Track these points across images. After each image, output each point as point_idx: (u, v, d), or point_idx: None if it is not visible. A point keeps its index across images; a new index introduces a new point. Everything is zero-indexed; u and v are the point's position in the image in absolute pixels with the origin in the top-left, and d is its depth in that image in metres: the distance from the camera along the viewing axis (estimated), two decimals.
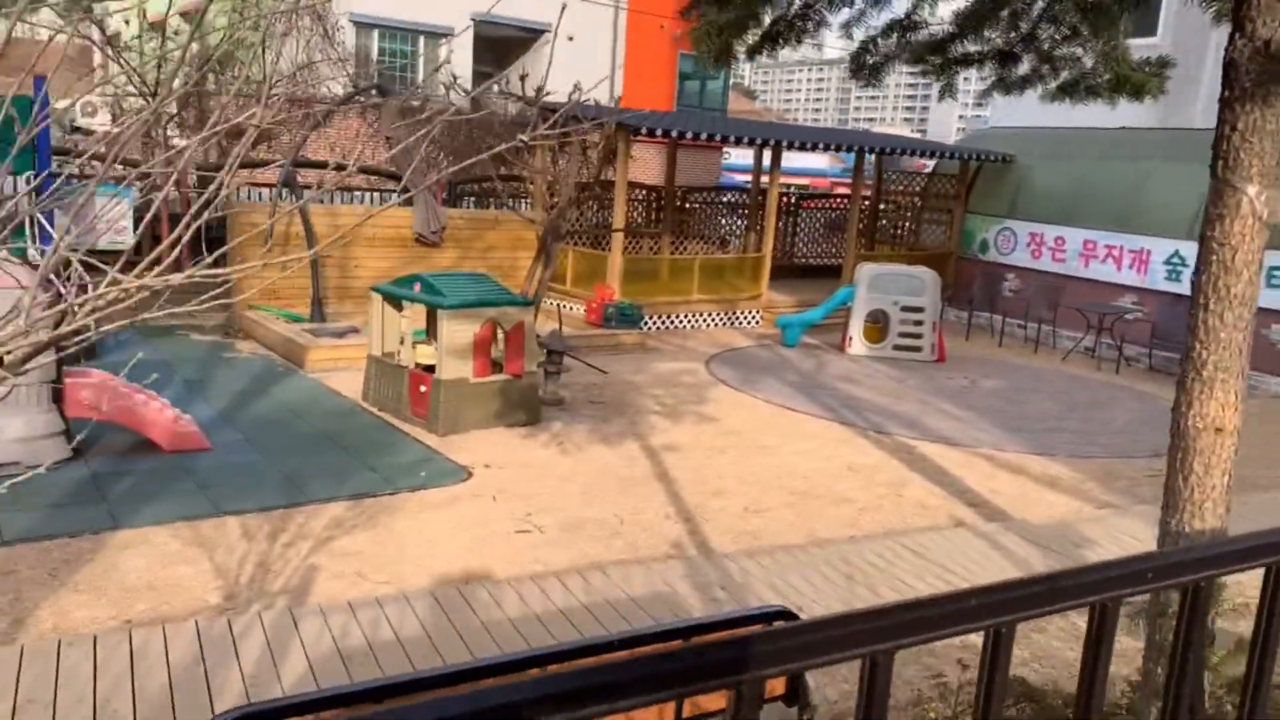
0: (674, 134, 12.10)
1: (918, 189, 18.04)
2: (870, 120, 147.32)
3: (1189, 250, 13.31)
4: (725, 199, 18.43)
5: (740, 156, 42.41)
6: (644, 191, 16.03)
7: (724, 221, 18.08)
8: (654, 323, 13.00)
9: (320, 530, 5.52)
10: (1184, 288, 13.34)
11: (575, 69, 24.03)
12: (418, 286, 7.84)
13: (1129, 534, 6.43)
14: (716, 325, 13.65)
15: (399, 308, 8.08)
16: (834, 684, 4.11)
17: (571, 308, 12.89)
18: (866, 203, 17.81)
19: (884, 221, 18.21)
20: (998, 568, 5.69)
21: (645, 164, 22.41)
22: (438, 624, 4.47)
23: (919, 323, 12.16)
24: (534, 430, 7.86)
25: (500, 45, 24.62)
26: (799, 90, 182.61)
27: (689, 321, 13.38)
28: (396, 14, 21.40)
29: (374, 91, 12.23)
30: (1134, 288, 13.94)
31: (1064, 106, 16.68)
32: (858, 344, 12.31)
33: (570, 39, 23.65)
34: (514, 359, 7.86)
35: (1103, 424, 9.56)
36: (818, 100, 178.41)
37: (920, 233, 17.75)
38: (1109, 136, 15.42)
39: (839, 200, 19.96)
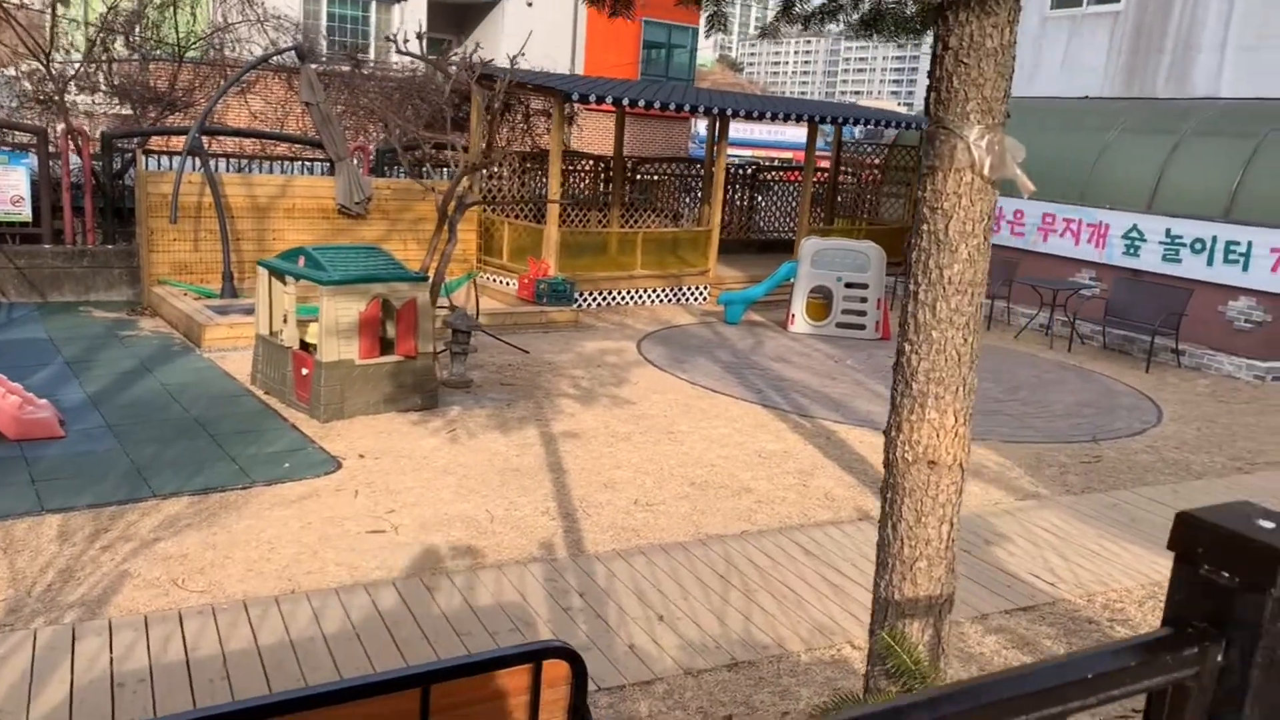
0: (611, 101, 11.52)
1: (878, 161, 17.52)
2: (857, 93, 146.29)
3: (1148, 224, 12.86)
4: (686, 171, 17.84)
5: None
6: (591, 162, 15.43)
7: (685, 195, 17.53)
8: (593, 299, 12.48)
9: (148, 531, 5.02)
10: (1142, 263, 12.90)
11: (534, 36, 23.36)
12: (302, 260, 7.30)
13: (1046, 529, 6.00)
14: (661, 301, 13.14)
15: (285, 283, 7.54)
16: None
17: (507, 283, 12.36)
18: (840, 176, 17.31)
19: (843, 196, 17.69)
20: None
21: (605, 134, 21.80)
22: (238, 643, 3.99)
23: (863, 299, 11.69)
24: (428, 416, 7.37)
25: (458, 11, 23.86)
26: (786, 63, 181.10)
27: (632, 298, 12.87)
28: None
29: (295, 55, 11.58)
30: (1092, 263, 13.48)
31: (1029, 76, 16.03)
32: (800, 321, 11.83)
33: (529, 4, 22.98)
34: (406, 339, 7.35)
35: (1043, 406, 9.12)
36: (805, 73, 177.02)
37: (880, 206, 17.25)
38: (1070, 106, 14.90)
39: (801, 173, 19.41)
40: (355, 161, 12.25)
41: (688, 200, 16.82)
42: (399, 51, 7.86)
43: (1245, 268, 11.81)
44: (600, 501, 5.91)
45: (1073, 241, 13.74)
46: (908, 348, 2.84)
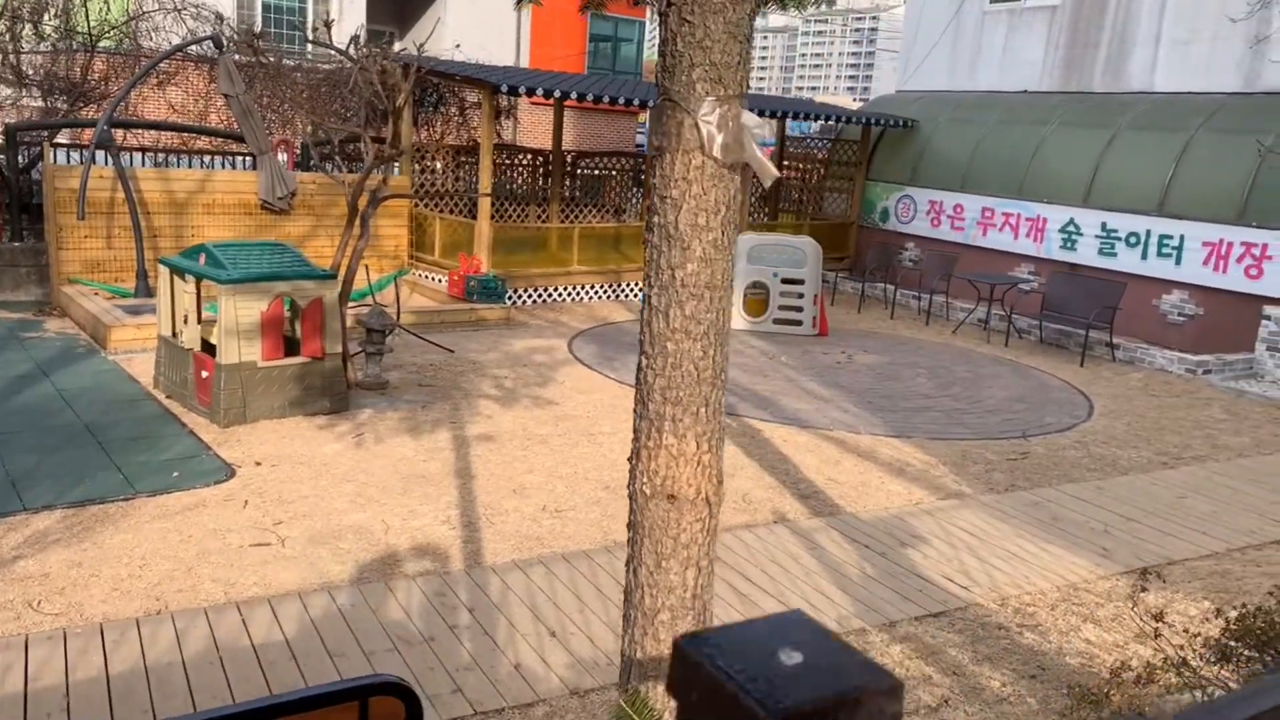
0: (542, 93, 11.25)
1: (821, 156, 17.43)
2: (814, 89, 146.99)
3: (1084, 218, 12.88)
4: (633, 165, 17.56)
5: None
6: (530, 156, 15.15)
7: (637, 189, 17.28)
8: (528, 296, 12.22)
9: (9, 548, 4.70)
10: (1079, 257, 12.93)
11: (478, 29, 22.94)
12: (203, 258, 6.97)
13: (965, 529, 5.87)
14: (601, 298, 12.91)
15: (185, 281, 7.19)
16: None
17: (439, 280, 12.06)
18: (786, 171, 17.19)
19: (788, 191, 17.57)
20: (803, 572, 5.07)
21: (550, 128, 21.49)
22: (86, 671, 3.70)
23: (800, 295, 11.55)
24: (337, 419, 7.07)
25: (398, 3, 23.39)
26: None
27: (570, 294, 12.63)
28: None
29: (211, 45, 11.15)
30: (1031, 257, 13.49)
31: (969, 70, 15.96)
32: (737, 318, 11.66)
33: None
34: (311, 339, 7.04)
35: (975, 402, 9.04)
36: (762, 68, 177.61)
37: (824, 201, 17.16)
38: (1009, 100, 14.91)
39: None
40: (280, 156, 11.86)
41: (639, 194, 16.61)
42: (310, 41, 7.54)
43: (1178, 261, 11.87)
44: (507, 509, 5.67)
45: (1012, 235, 13.74)
46: (644, 362, 2.49)
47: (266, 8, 20.28)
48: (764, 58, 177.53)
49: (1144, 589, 4.12)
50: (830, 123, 16.95)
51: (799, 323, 11.59)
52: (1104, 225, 12.61)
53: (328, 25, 7.48)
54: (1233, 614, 3.21)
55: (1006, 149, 14.12)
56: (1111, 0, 13.87)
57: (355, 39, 7.30)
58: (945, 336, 12.21)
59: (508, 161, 14.87)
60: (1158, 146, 12.45)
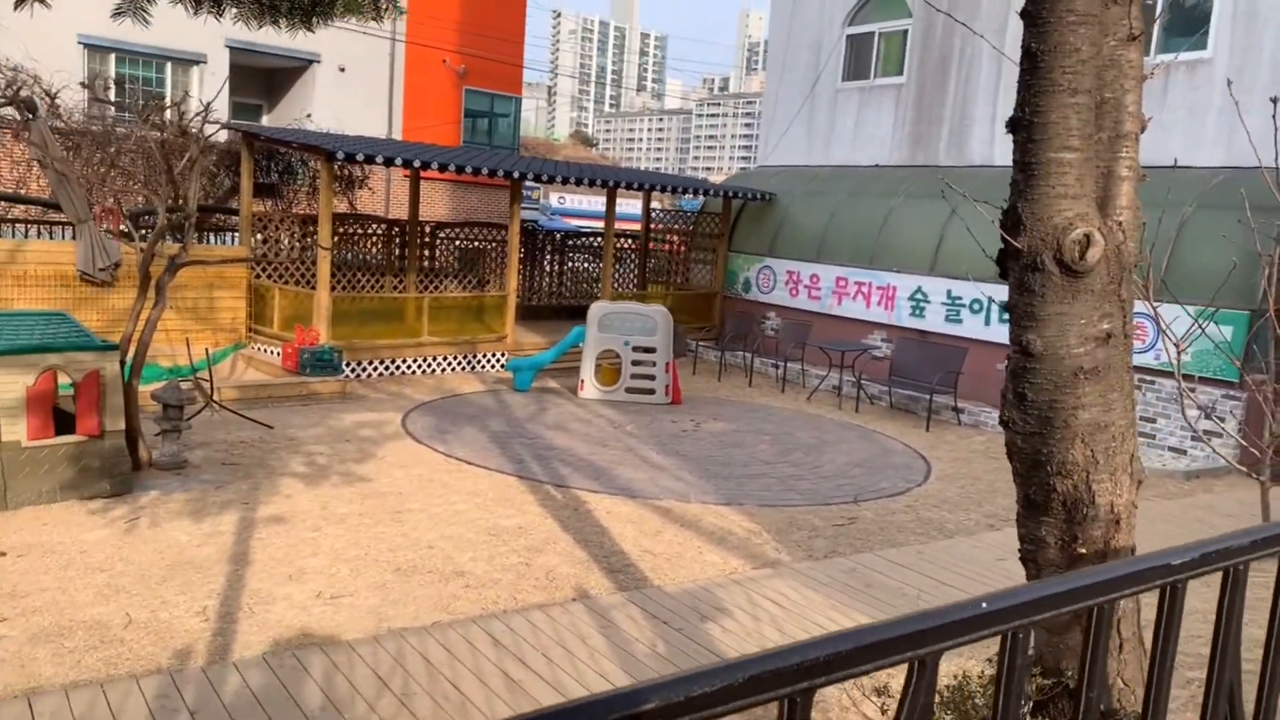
0: (382, 160, 10.99)
1: (688, 228, 17.61)
2: (709, 168, 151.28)
3: (931, 285, 13.21)
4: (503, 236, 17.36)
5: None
6: (384, 226, 14.81)
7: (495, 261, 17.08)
8: (372, 368, 11.76)
9: None
10: (927, 324, 13.21)
11: (348, 101, 22.64)
12: None
13: (774, 599, 5.64)
14: (454, 370, 12.52)
15: None
16: None
17: (277, 353, 11.49)
18: (666, 243, 17.27)
19: (656, 261, 17.65)
20: (588, 654, 4.73)
21: (425, 200, 21.21)
22: None
23: (651, 363, 11.42)
24: (115, 503, 6.47)
25: (265, 76, 23.02)
26: (640, 139, 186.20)
27: (420, 366, 12.21)
28: (136, 38, 19.46)
29: (24, 109, 10.56)
30: (883, 324, 13.73)
31: (823, 144, 16.30)
32: (590, 387, 11.44)
33: (341, 70, 22.38)
34: (87, 416, 6.47)
35: (814, 468, 8.95)
36: (659, 147, 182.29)
37: (690, 272, 17.28)
38: (861, 173, 15.36)
39: (621, 240, 19.35)
40: (104, 225, 11.24)
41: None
42: (94, 99, 7.13)
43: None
44: (277, 596, 5.19)
45: (865, 304, 13.98)
46: None
47: (122, 78, 19.63)
48: (661, 138, 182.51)
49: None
50: (684, 194, 17.18)
51: (651, 391, 11.43)
52: (949, 293, 12.94)
53: (96, 83, 7.07)
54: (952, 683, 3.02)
55: (858, 220, 14.47)
56: (951, 80, 14.52)
57: (99, 82, 6.88)
58: (799, 403, 12.22)
59: (361, 231, 14.50)
60: (995, 217, 12.90)
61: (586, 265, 17.92)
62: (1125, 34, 2.32)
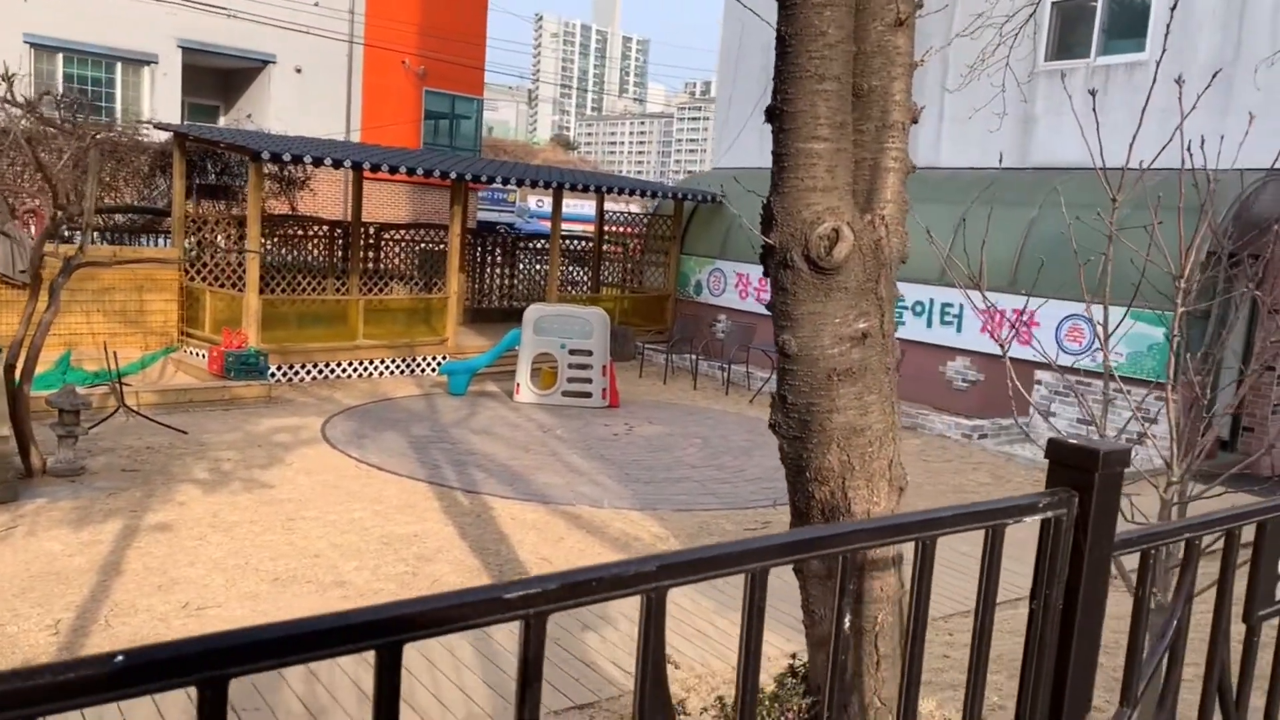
0: (311, 161, 10.82)
1: (641, 230, 17.50)
2: (690, 171, 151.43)
3: None
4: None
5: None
6: (325, 228, 14.62)
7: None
8: (305, 372, 11.56)
9: None
10: None
11: (306, 103, 22.38)
12: None
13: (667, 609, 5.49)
14: (392, 373, 12.34)
15: None
16: None
17: (206, 356, 11.29)
18: (622, 245, 17.15)
19: (610, 263, 17.54)
20: (453, 666, 4.58)
21: (379, 201, 21.03)
22: None
23: (588, 366, 11.28)
24: None
25: (220, 77, 22.77)
26: (623, 143, 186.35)
27: (355, 370, 12.02)
28: (85, 37, 19.23)
29: None
30: None
31: (768, 146, 16.23)
32: (526, 391, 11.29)
33: (298, 71, 22.15)
34: None
35: (738, 471, 8.83)
36: (641, 151, 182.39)
37: (644, 275, 17.16)
38: None
39: (577, 243, 19.24)
40: (29, 226, 11.03)
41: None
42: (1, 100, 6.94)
43: (959, 329, 12.15)
44: (140, 608, 5.02)
45: None
46: None
47: (69, 77, 19.35)
48: (643, 141, 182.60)
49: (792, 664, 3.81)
50: (633, 195, 17.09)
51: (588, 394, 11.29)
52: None
53: (7, 78, 6.89)
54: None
55: None
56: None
57: (9, 78, 6.69)
58: (740, 406, 12.10)
59: (301, 233, 14.30)
60: (940, 218, 12.84)
61: (540, 267, 17.78)
62: (892, 19, 2.20)
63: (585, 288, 17.30)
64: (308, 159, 10.62)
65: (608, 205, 17.79)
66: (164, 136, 13.83)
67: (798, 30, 2.07)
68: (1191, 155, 3.83)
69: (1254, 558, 1.47)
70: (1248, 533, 1.54)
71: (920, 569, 1.25)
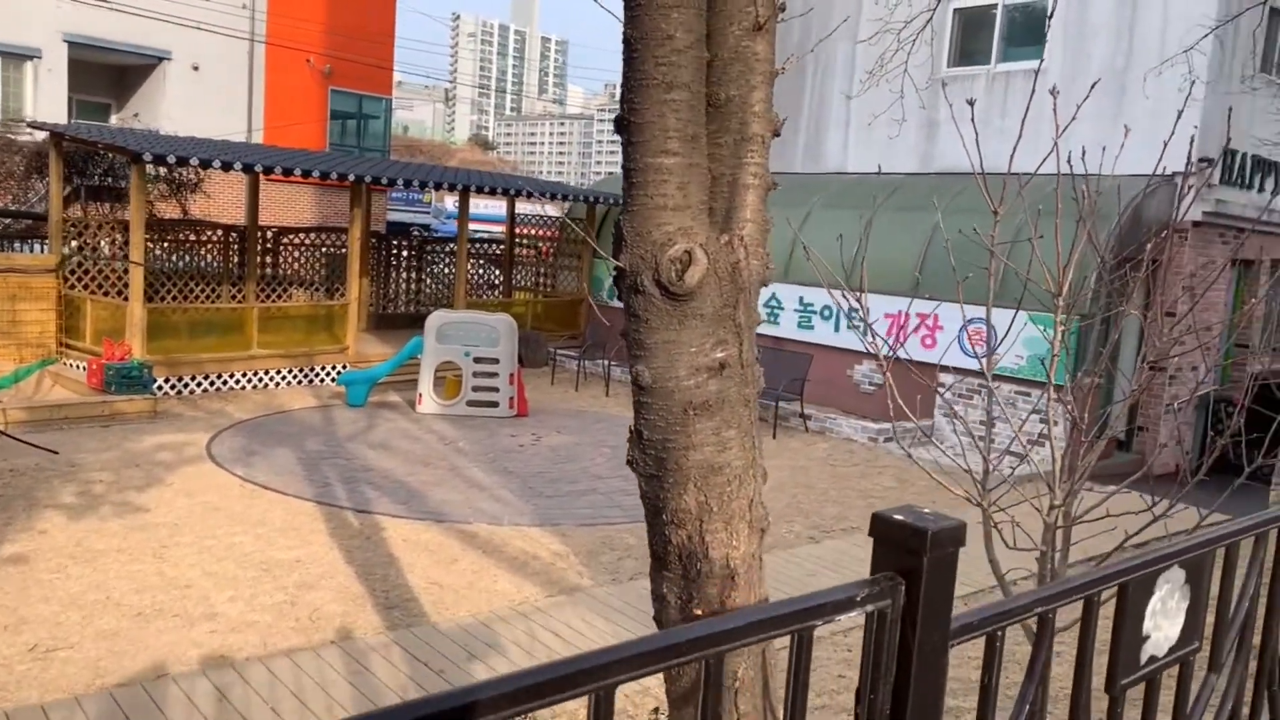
0: (198, 163, 10.28)
1: (554, 233, 17.26)
2: (611, 173, 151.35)
3: (785, 292, 13.15)
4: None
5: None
6: (220, 232, 13.99)
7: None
8: (195, 384, 11.00)
9: None
10: (782, 331, 13.14)
11: (204, 101, 21.50)
12: None
13: (556, 632, 5.30)
14: (287, 384, 11.84)
15: None
16: None
17: (84, 368, 10.65)
18: (544, 246, 16.82)
19: (522, 267, 17.24)
20: (324, 706, 4.29)
21: (282, 203, 20.31)
22: None
23: (494, 375, 10.99)
24: None
25: (112, 73, 21.71)
26: (543, 144, 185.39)
27: (249, 381, 11.49)
28: None
29: None
30: None
31: None
32: (429, 401, 10.93)
33: (195, 68, 21.27)
34: None
35: None
36: (561, 153, 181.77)
37: (558, 278, 16.92)
38: None
39: (481, 244, 18.89)
40: None
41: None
42: None
43: (865, 333, 12.22)
44: None
45: None
46: None
47: None
48: (564, 143, 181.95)
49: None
50: (544, 198, 16.85)
51: (495, 404, 10.99)
52: (801, 299, 12.90)
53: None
54: None
55: None
56: (806, 87, 14.53)
57: None
58: None
59: (195, 237, 13.66)
60: (846, 222, 12.89)
61: (449, 271, 17.38)
62: (751, 23, 2.04)
63: (498, 291, 16.97)
64: (194, 161, 10.10)
65: (523, 208, 17.51)
66: (43, 136, 13.07)
67: (643, 34, 1.89)
68: (1071, 165, 3.79)
69: (1116, 621, 1.34)
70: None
71: (705, 687, 1.04)
